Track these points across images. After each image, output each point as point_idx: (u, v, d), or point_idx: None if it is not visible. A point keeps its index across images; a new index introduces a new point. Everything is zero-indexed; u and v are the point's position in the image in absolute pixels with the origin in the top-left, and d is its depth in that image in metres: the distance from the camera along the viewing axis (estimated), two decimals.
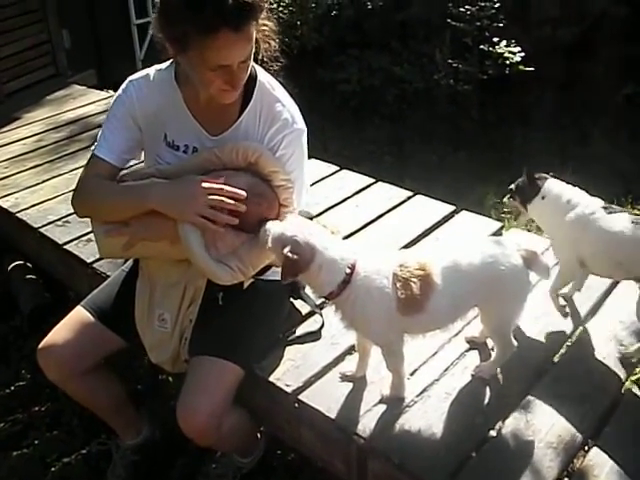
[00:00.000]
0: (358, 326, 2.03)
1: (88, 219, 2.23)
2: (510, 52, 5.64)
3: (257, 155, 2.06)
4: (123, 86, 2.19)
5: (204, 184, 1.97)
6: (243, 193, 1.97)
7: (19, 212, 3.40)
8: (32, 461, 2.82)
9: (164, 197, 2.01)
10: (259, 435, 2.56)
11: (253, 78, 2.11)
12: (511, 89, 5.83)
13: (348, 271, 1.90)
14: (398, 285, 1.91)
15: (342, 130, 6.17)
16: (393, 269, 1.93)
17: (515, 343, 2.13)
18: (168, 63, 2.18)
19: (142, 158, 2.33)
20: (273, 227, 1.92)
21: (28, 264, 3.74)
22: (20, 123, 4.71)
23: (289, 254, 1.84)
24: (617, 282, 2.58)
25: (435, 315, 1.98)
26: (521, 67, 5.61)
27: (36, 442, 2.91)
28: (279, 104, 2.12)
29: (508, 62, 5.64)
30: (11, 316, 3.62)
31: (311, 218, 2.54)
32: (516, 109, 5.80)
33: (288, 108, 2.13)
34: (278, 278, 2.25)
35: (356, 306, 1.93)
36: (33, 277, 3.71)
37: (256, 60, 2.09)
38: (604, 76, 5.82)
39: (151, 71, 2.19)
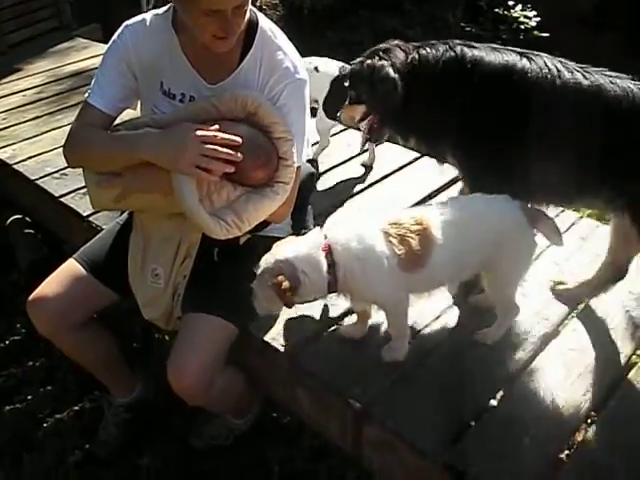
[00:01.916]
0: (368, 295, 1.98)
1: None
2: (525, 16, 5.50)
3: (256, 105, 1.97)
4: (118, 31, 2.10)
5: (197, 132, 1.88)
6: (238, 139, 1.89)
7: (16, 164, 3.35)
8: (25, 416, 2.80)
9: (156, 147, 1.92)
10: (254, 397, 2.51)
11: (254, 25, 2.03)
12: None
13: (323, 254, 1.87)
14: (394, 242, 1.86)
15: None
16: (382, 228, 1.89)
17: (519, 307, 2.07)
18: (166, 8, 2.09)
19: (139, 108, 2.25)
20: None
21: (27, 218, 3.70)
22: (21, 75, 4.65)
23: (273, 281, 1.82)
24: None
25: (438, 270, 1.93)
26: (536, 33, 5.47)
27: (29, 398, 2.89)
28: (280, 52, 2.03)
29: (523, 27, 5.50)
30: (9, 270, 3.59)
31: (314, 174, 2.47)
32: None
33: (290, 57, 2.04)
34: (276, 234, 2.21)
35: (356, 277, 1.89)
36: (31, 231, 3.67)
37: (254, 5, 1.99)
38: (620, 47, 5.69)
39: (148, 16, 2.10)
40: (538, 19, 5.45)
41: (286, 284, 1.81)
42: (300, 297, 1.89)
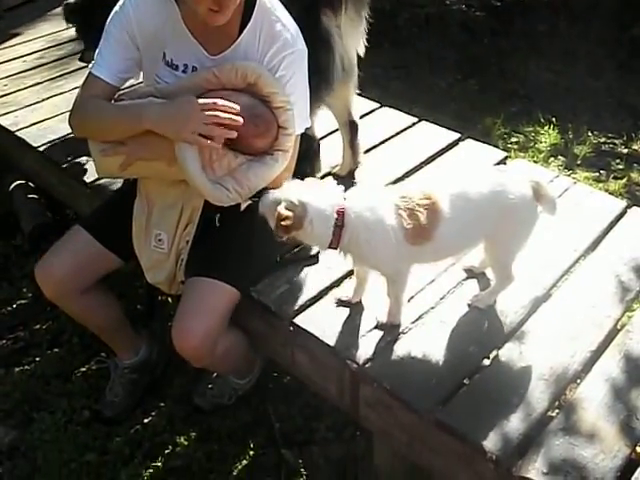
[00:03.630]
0: (371, 262, 2.04)
1: None
2: None
3: (256, 75, 2.01)
4: (120, 3, 2.11)
5: (198, 100, 1.93)
6: (236, 106, 1.93)
7: (19, 130, 3.35)
8: (33, 378, 2.87)
9: (158, 117, 1.97)
10: (255, 357, 2.58)
11: None
12: (525, 17, 5.66)
13: (336, 216, 1.91)
14: (403, 215, 1.92)
15: None
16: (394, 201, 1.94)
17: (514, 275, 2.12)
18: None
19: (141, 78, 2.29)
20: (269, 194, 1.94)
21: (30, 183, 3.72)
22: (20, 40, 4.58)
23: (282, 211, 1.85)
24: (620, 217, 2.57)
25: (444, 243, 1.99)
26: None
27: (37, 359, 2.96)
28: (279, 24, 2.06)
29: None
30: (13, 235, 3.63)
31: (314, 141, 2.50)
32: (529, 39, 5.64)
33: (289, 28, 2.06)
34: None
35: (361, 244, 1.95)
36: (35, 196, 3.70)
37: None
38: (621, 8, 5.64)
39: None
40: None
41: (288, 222, 1.85)
42: (295, 238, 1.95)
